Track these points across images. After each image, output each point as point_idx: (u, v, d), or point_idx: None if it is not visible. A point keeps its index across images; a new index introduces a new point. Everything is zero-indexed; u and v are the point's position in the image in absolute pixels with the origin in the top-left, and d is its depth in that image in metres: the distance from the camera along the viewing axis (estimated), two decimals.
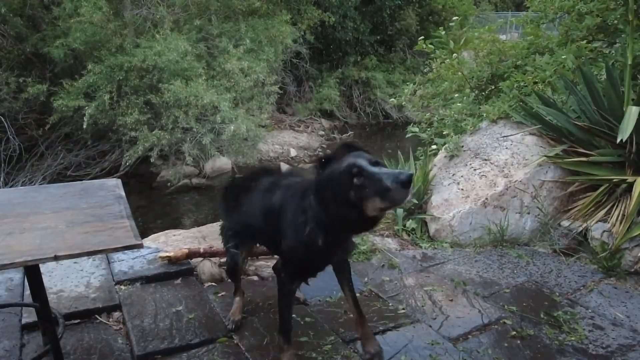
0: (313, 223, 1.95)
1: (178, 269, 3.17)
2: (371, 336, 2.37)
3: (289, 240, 2.12)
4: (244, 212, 2.43)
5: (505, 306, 2.83)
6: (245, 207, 2.42)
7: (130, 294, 2.91)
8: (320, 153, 12.02)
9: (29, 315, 2.58)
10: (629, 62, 3.66)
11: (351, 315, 2.66)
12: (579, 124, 3.80)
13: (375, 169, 1.77)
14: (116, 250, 1.81)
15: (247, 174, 2.80)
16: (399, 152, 5.10)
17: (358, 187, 1.76)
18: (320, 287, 2.93)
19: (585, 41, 4.68)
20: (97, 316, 2.71)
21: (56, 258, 1.68)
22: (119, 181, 2.50)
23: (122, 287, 2.99)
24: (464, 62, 5.53)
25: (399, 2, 14.99)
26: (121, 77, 8.47)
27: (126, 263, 3.23)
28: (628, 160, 3.63)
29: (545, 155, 3.90)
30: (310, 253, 2.05)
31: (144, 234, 4.16)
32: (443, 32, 5.52)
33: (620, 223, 3.35)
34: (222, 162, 9.94)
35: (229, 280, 2.91)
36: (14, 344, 2.40)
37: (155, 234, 4.03)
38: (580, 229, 3.60)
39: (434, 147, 4.90)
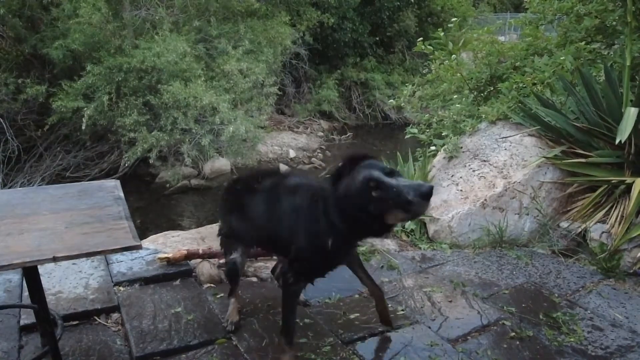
0: (328, 230, 1.98)
1: (177, 270, 3.16)
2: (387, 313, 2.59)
3: (302, 243, 2.13)
4: (248, 214, 2.43)
5: (505, 307, 2.83)
6: (250, 208, 2.42)
7: (129, 295, 2.90)
8: (320, 155, 12.02)
9: (28, 317, 2.57)
10: (628, 63, 3.67)
11: (350, 317, 2.68)
12: (578, 125, 3.80)
13: (393, 181, 1.78)
14: (115, 251, 1.81)
15: (248, 175, 2.80)
16: (397, 154, 5.10)
17: (377, 200, 1.78)
18: (319, 289, 2.92)
19: (583, 42, 4.69)
20: (95, 317, 2.70)
21: (55, 259, 1.68)
22: (118, 182, 2.49)
23: (121, 288, 2.98)
24: (462, 64, 5.54)
25: (398, 3, 15.00)
26: (120, 78, 8.47)
27: (125, 264, 3.22)
28: (627, 161, 3.64)
29: (544, 157, 3.90)
30: (322, 256, 2.09)
31: (142, 235, 4.14)
32: (442, 34, 5.53)
33: (619, 224, 3.35)
34: (221, 163, 9.93)
35: (227, 282, 2.89)
36: (13, 346, 2.39)
37: (154, 235, 4.02)
38: (579, 230, 3.60)
39: (432, 148, 4.90)
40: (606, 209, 3.57)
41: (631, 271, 3.23)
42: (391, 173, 1.84)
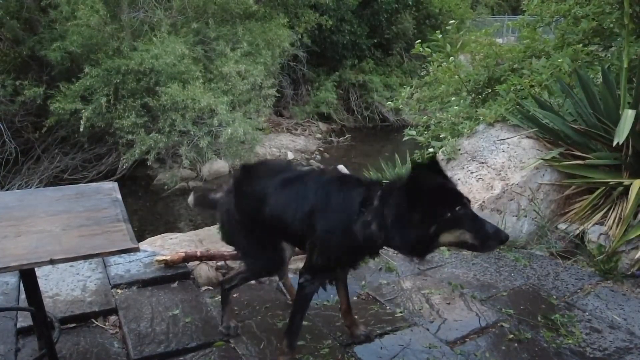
0: (376, 226, 2.01)
1: (175, 273, 3.15)
2: (357, 322, 2.56)
3: (335, 236, 2.11)
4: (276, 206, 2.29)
5: (503, 309, 2.83)
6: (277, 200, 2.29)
7: (126, 298, 2.89)
8: (318, 157, 12.02)
9: (25, 319, 2.56)
10: (625, 65, 3.67)
11: None
12: (576, 127, 3.81)
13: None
14: (112, 253, 1.81)
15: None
16: (396, 155, 5.11)
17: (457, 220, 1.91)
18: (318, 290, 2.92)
19: (581, 45, 4.70)
20: (93, 320, 2.70)
21: (52, 262, 1.67)
22: (116, 184, 2.49)
23: (119, 290, 2.97)
24: (460, 66, 5.55)
25: (396, 5, 15.02)
26: (118, 80, 8.47)
27: (122, 267, 3.22)
28: (624, 163, 3.64)
29: (542, 158, 3.91)
30: (352, 251, 2.14)
31: (140, 237, 4.15)
32: (440, 36, 5.54)
33: (617, 226, 3.35)
34: (220, 165, 9.93)
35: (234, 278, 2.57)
36: (9, 349, 2.38)
37: (152, 238, 4.02)
38: (577, 231, 3.60)
39: (431, 150, 4.90)
40: (604, 210, 3.58)
41: (629, 273, 3.23)
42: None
